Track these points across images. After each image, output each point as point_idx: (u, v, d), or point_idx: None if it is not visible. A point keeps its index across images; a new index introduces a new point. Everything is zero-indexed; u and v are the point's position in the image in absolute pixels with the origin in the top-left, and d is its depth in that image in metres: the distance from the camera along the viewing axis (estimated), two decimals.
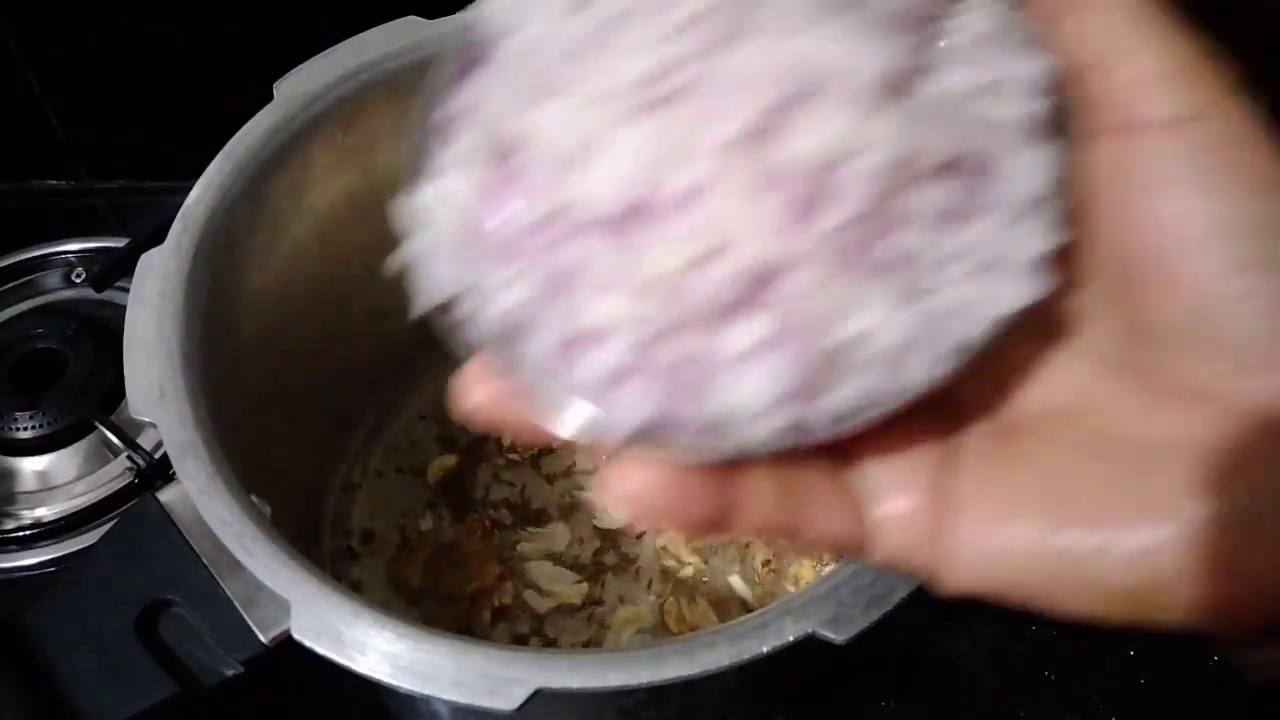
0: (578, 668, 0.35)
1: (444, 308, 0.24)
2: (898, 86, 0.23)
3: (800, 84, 0.22)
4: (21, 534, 0.60)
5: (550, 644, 0.57)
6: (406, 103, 0.50)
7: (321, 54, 0.50)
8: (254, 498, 0.39)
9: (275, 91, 0.48)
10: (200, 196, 0.45)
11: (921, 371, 0.23)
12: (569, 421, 0.23)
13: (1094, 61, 0.23)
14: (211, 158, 0.46)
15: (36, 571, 0.59)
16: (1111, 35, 0.23)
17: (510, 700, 0.34)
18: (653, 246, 0.22)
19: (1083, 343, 0.25)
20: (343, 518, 0.61)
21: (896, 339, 0.22)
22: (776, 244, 0.22)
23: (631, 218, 0.22)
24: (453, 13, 0.51)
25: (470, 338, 0.24)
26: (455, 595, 0.58)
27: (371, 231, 0.55)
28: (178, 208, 0.45)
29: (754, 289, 0.22)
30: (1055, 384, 0.25)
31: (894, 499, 0.25)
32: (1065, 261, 0.24)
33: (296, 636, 0.36)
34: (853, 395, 0.23)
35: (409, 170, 0.25)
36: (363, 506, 0.62)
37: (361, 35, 0.50)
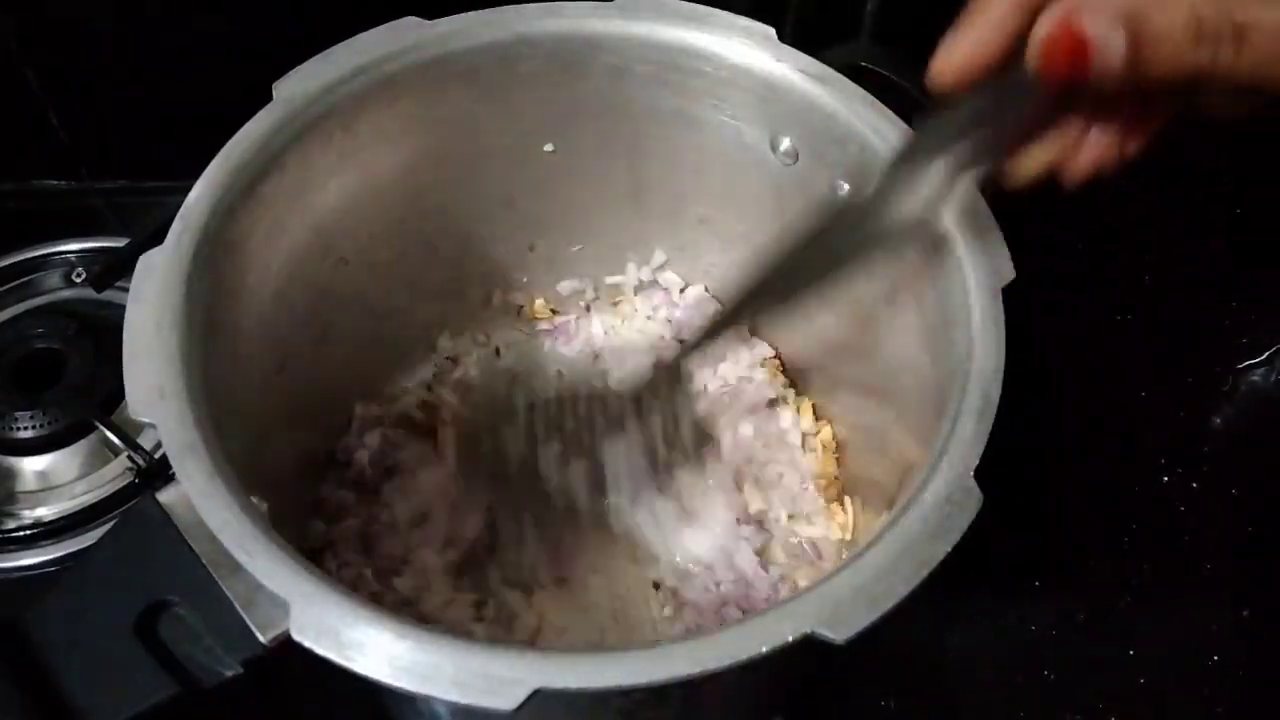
0: (576, 667, 0.35)
1: None
2: None
3: None
4: (22, 534, 0.61)
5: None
6: (406, 103, 0.51)
7: (321, 54, 0.50)
8: (253, 498, 0.39)
9: (274, 92, 0.48)
10: (200, 197, 0.45)
11: None
12: None
13: None
14: (211, 158, 0.46)
15: (37, 571, 0.60)
16: None
17: (509, 700, 0.34)
18: None
19: None
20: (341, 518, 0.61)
21: None
22: None
23: None
24: (452, 13, 0.52)
25: None
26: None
27: (370, 232, 0.55)
28: (177, 208, 0.45)
29: None
30: None
31: None
32: None
33: (296, 637, 0.36)
34: None
35: None
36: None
37: (361, 36, 0.50)
